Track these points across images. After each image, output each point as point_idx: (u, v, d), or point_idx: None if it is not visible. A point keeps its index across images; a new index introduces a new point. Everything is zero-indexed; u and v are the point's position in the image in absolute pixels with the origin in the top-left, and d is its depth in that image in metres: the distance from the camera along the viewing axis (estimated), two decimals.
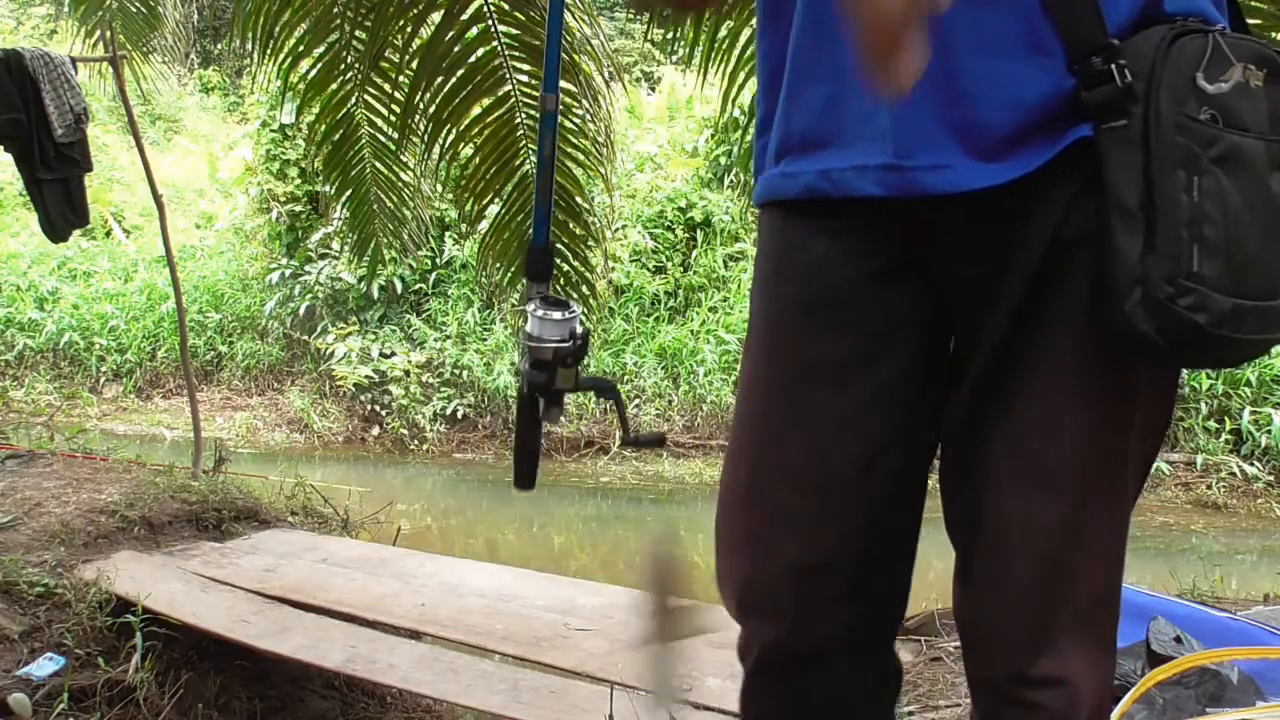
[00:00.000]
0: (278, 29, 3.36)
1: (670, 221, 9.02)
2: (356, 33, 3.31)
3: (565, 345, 1.00)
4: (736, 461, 1.02)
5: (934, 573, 1.44)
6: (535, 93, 3.40)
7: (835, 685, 1.01)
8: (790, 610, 0.98)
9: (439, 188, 4.45)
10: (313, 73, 3.52)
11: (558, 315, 1.01)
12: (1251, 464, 6.70)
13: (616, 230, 8.64)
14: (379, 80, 3.50)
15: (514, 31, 3.25)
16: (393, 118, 3.55)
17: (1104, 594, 0.97)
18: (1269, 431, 6.66)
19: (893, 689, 1.07)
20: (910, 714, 2.19)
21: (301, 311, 9.46)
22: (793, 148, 0.98)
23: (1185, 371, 6.94)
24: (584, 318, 1.03)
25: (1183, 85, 0.82)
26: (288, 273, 9.48)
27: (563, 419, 8.58)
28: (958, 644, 1.51)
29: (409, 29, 3.24)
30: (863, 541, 0.98)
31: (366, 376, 8.79)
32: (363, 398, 8.97)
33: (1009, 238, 0.90)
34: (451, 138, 3.43)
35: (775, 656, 1.00)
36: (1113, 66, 0.84)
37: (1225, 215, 0.83)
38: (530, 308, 1.03)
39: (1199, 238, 0.83)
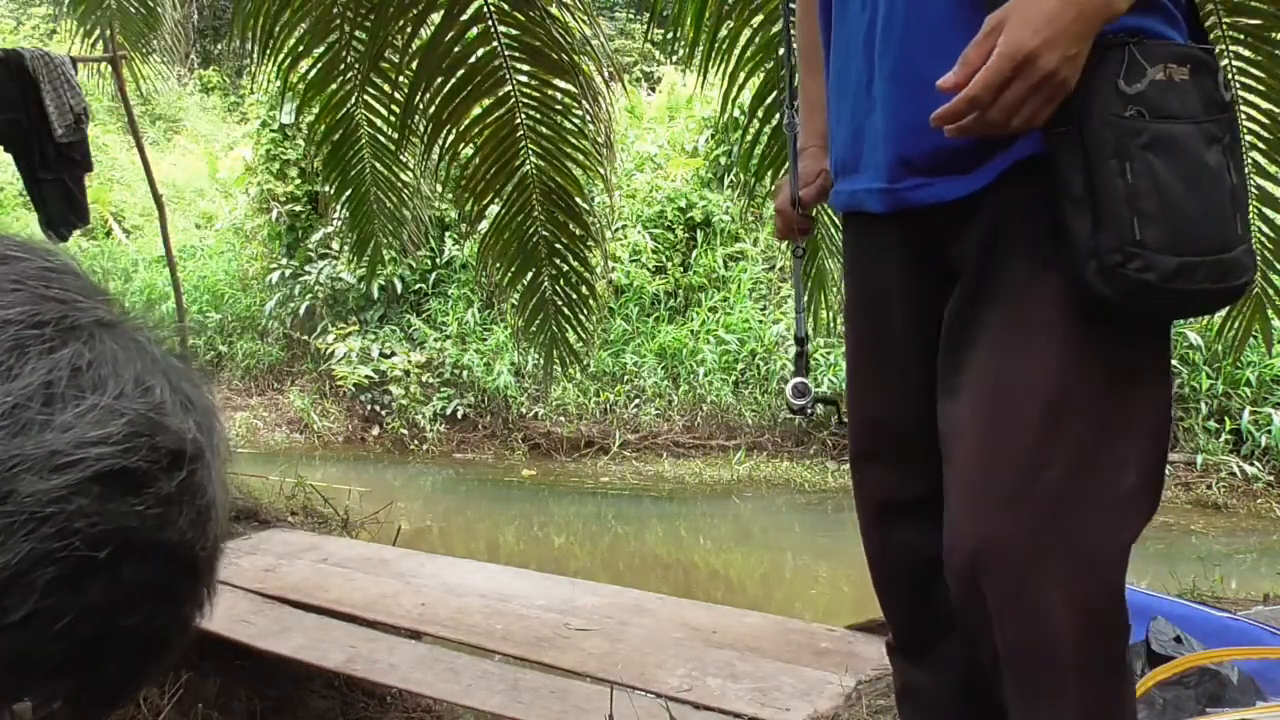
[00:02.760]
0: (277, 29, 3.37)
1: (670, 221, 9.01)
2: (356, 33, 3.31)
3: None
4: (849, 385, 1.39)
5: None
6: (535, 93, 3.39)
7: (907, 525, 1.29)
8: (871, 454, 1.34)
9: (439, 188, 4.45)
10: (312, 73, 3.52)
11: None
12: (1251, 464, 6.69)
13: (616, 230, 8.63)
14: (379, 80, 3.50)
15: (514, 32, 3.25)
16: (393, 118, 3.55)
17: (1082, 518, 1.09)
18: (1269, 431, 6.65)
19: None
20: None
21: (301, 311, 9.46)
22: (838, 171, 1.32)
23: (1185, 371, 6.94)
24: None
25: (1108, 91, 1.01)
26: (288, 273, 9.48)
27: (563, 419, 8.55)
28: None
29: (409, 29, 3.24)
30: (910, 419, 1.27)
31: (366, 376, 8.79)
32: (363, 398, 8.97)
33: (975, 222, 1.14)
34: (451, 138, 3.43)
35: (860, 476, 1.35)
36: None
37: (1159, 189, 1.00)
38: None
39: (1138, 210, 1.00)
